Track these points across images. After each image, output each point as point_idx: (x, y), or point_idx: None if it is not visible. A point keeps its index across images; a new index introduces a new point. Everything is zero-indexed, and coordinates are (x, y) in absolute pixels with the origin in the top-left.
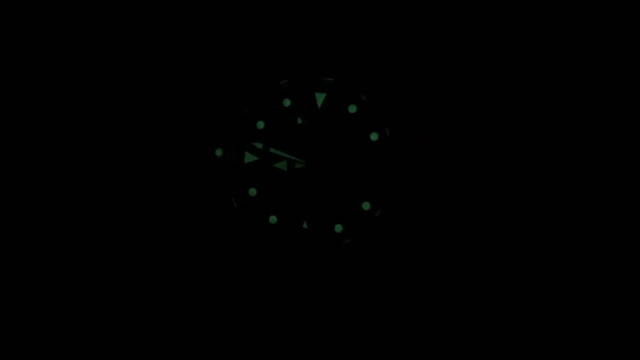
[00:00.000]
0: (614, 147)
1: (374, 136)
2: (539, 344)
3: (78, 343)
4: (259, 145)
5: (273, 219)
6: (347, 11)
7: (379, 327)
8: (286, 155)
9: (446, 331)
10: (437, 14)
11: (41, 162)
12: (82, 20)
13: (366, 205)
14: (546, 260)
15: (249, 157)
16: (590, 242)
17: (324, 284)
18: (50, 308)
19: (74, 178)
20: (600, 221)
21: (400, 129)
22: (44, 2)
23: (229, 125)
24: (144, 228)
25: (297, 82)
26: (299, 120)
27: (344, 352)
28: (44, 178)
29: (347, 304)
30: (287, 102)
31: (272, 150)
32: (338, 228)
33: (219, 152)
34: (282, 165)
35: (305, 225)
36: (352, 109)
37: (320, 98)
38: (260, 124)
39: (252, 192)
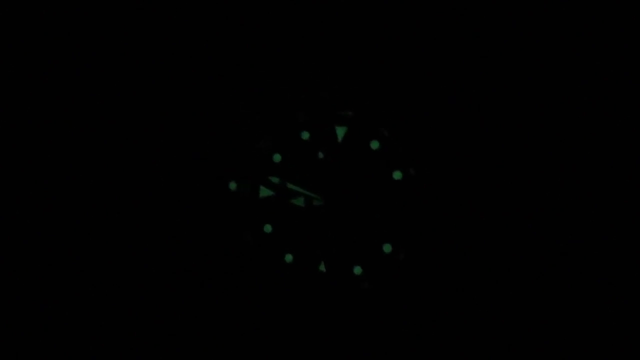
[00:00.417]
0: (614, 147)
1: (397, 175)
2: (545, 349)
3: (78, 343)
4: (275, 180)
5: (289, 257)
6: (368, 43)
7: None
8: (304, 191)
9: None
10: (464, 48)
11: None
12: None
13: (387, 248)
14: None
15: (264, 192)
16: (590, 242)
17: (340, 330)
18: (50, 308)
19: (86, 200)
20: (601, 221)
21: (425, 169)
22: (48, 2)
23: (243, 158)
24: (152, 264)
25: (316, 114)
26: (320, 155)
27: None
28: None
29: (363, 353)
30: (305, 135)
31: (289, 185)
32: (357, 270)
33: (232, 186)
34: (298, 202)
35: (322, 267)
36: (375, 145)
37: (341, 132)
38: (277, 157)
39: (267, 228)
